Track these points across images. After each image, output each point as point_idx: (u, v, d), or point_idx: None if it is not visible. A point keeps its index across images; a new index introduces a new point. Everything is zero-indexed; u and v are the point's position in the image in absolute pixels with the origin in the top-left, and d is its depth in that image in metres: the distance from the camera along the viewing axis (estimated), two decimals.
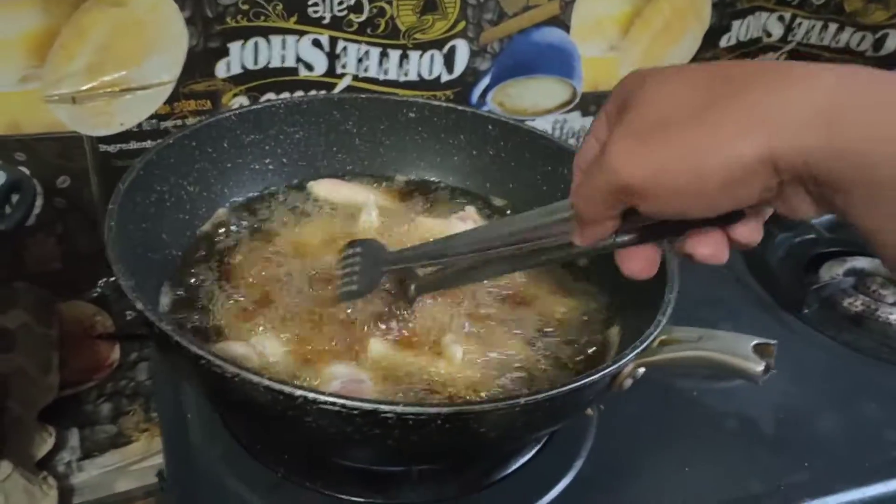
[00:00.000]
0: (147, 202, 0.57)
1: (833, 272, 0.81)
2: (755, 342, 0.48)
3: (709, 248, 0.40)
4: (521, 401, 0.43)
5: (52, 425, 0.73)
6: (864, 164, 0.31)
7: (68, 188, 0.77)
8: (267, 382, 0.41)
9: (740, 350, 0.47)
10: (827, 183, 0.33)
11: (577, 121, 0.98)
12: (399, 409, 0.41)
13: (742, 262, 0.82)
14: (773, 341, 0.48)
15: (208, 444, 0.57)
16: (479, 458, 0.56)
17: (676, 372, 0.56)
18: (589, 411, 0.61)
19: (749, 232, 0.39)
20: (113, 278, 0.82)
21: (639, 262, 0.43)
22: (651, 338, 0.48)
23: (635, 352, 0.47)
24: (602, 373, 0.45)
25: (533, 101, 0.94)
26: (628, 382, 0.49)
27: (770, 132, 0.33)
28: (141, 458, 0.79)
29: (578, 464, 0.59)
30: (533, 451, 0.59)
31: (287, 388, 0.41)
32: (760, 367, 0.46)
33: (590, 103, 0.97)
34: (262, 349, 0.53)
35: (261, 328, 0.55)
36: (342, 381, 0.51)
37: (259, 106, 0.67)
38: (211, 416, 0.59)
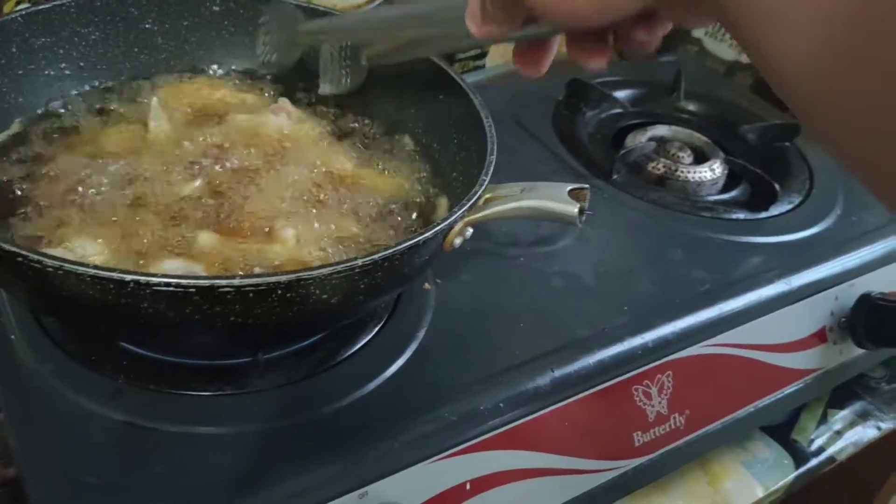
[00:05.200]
0: None
1: (637, 140, 0.87)
2: (570, 188, 0.51)
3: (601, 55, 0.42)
4: (359, 262, 0.44)
5: None
6: None
7: None
8: (93, 271, 0.40)
9: (558, 196, 0.50)
10: None
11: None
12: (237, 281, 0.41)
13: (555, 138, 0.86)
14: (586, 186, 0.51)
15: (39, 363, 0.54)
16: (322, 333, 0.57)
17: (506, 222, 0.58)
18: (427, 285, 0.64)
19: (645, 35, 0.41)
20: None
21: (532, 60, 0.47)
22: (477, 195, 0.51)
23: (463, 208, 0.50)
24: (434, 229, 0.47)
25: None
26: (458, 241, 0.51)
27: None
28: None
29: (420, 334, 0.61)
30: (375, 329, 0.61)
31: (117, 274, 0.39)
32: (576, 209, 0.50)
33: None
34: (82, 251, 0.51)
35: (75, 232, 0.53)
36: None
37: (47, 6, 0.62)
38: (37, 333, 0.56)
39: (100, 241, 0.52)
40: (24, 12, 0.61)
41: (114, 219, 0.54)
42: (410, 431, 0.54)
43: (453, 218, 0.49)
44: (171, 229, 0.54)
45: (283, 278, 0.42)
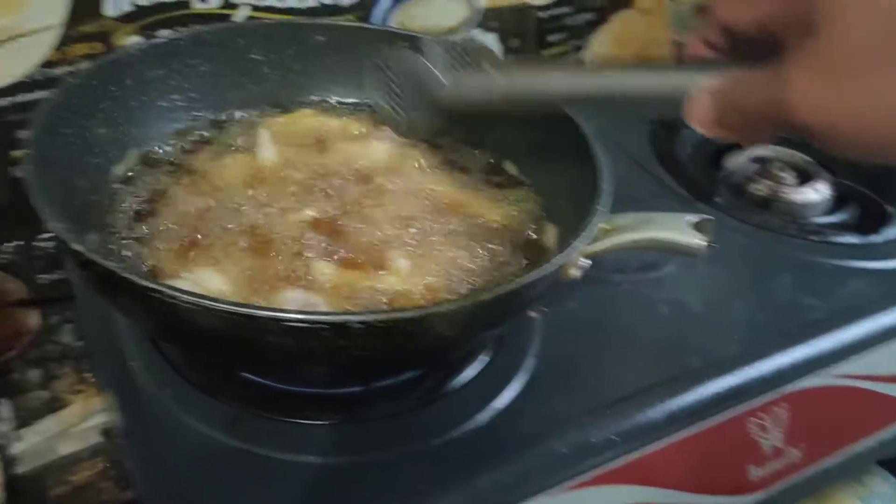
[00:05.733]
0: (56, 147, 0.54)
1: (737, 161, 0.85)
2: (693, 219, 0.50)
3: None
4: (486, 296, 0.43)
5: None
6: None
7: None
8: (229, 308, 0.40)
9: (681, 228, 0.49)
10: None
11: (478, 38, 0.98)
12: (369, 317, 0.41)
13: (654, 159, 0.85)
14: (710, 217, 0.50)
15: (158, 388, 0.55)
16: (438, 364, 0.57)
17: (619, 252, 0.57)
18: (533, 314, 0.63)
19: None
20: (21, 242, 0.78)
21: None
22: (593, 224, 0.50)
23: (581, 240, 0.49)
24: (556, 263, 0.46)
25: (435, 20, 0.93)
26: (575, 273, 0.51)
27: None
28: (80, 420, 0.76)
29: (528, 363, 0.60)
30: (483, 358, 0.60)
31: (252, 311, 0.40)
32: (703, 243, 0.49)
33: (490, 19, 0.97)
34: (204, 283, 0.52)
35: (196, 263, 0.54)
36: (297, 306, 0.50)
37: (161, 39, 0.64)
38: (155, 359, 0.57)
39: (220, 272, 0.53)
40: (139, 46, 0.62)
41: (231, 249, 0.55)
42: (522, 464, 0.53)
43: (573, 250, 0.48)
44: (287, 259, 0.55)
45: (414, 314, 0.42)
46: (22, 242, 0.79)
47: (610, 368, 0.61)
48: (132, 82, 0.62)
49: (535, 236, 0.61)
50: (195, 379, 0.55)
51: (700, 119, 0.40)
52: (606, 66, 0.44)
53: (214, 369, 0.55)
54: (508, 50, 1.01)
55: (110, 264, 0.42)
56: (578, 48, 1.09)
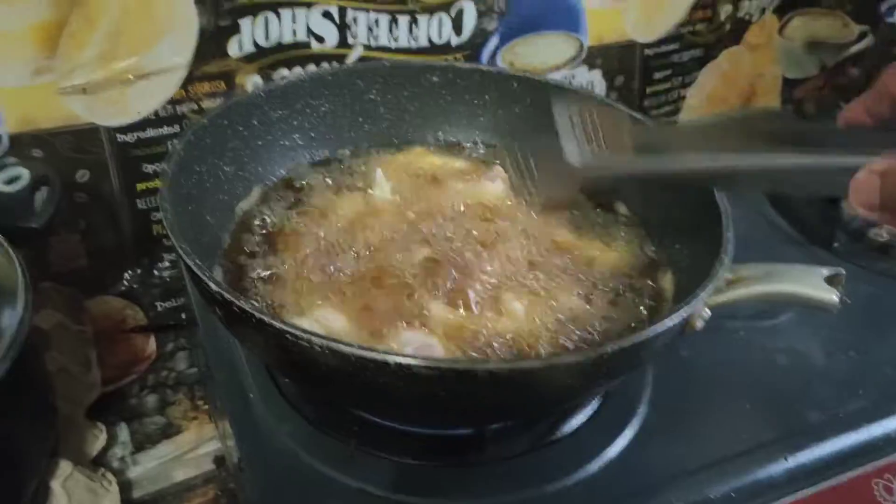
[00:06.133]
0: (189, 184, 0.57)
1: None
2: (825, 273, 0.48)
3: None
4: (608, 349, 0.43)
5: (100, 422, 0.72)
6: None
7: (88, 182, 0.75)
8: (359, 352, 0.41)
9: (813, 282, 0.48)
10: None
11: (584, 75, 0.98)
12: (494, 366, 0.41)
13: (765, 201, 0.83)
14: (842, 271, 0.48)
15: (275, 423, 0.56)
16: (553, 411, 0.57)
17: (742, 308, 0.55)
18: None
19: None
20: (139, 270, 0.82)
21: None
22: (720, 275, 0.49)
23: (705, 290, 0.48)
24: (681, 314, 0.46)
25: (542, 58, 0.93)
26: (700, 324, 0.50)
27: None
28: (194, 447, 0.78)
29: (640, 411, 0.59)
30: (595, 404, 0.60)
31: (384, 356, 0.41)
32: (836, 297, 0.47)
33: (595, 57, 0.97)
34: (326, 322, 0.53)
35: (319, 301, 0.55)
36: (414, 347, 0.50)
37: (285, 81, 0.66)
38: (273, 393, 0.58)
39: (340, 310, 0.54)
40: (266, 88, 0.65)
41: (348, 287, 0.56)
42: None
43: (698, 301, 0.47)
44: (402, 298, 0.55)
45: (541, 365, 0.42)
46: (140, 270, 0.83)
47: (726, 420, 0.60)
48: (258, 122, 0.64)
49: (650, 282, 0.60)
50: (311, 415, 0.56)
51: (864, 202, 0.38)
52: (754, 137, 0.41)
53: (331, 406, 0.56)
54: (612, 87, 1.01)
55: (248, 305, 0.43)
56: (684, 85, 1.08)
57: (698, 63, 1.06)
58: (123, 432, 0.77)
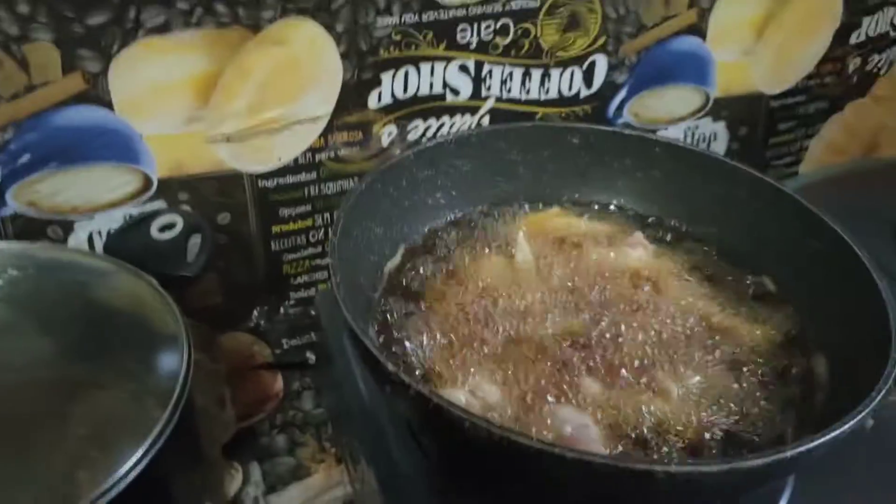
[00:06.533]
0: (348, 249, 0.58)
1: None
2: None
3: None
4: (788, 453, 0.42)
5: (234, 461, 0.74)
6: None
7: (228, 224, 0.78)
8: (538, 446, 0.41)
9: None
10: None
11: (707, 126, 0.97)
12: (673, 468, 0.41)
13: None
14: None
15: (416, 474, 0.57)
16: None
17: None
18: None
19: None
20: (266, 307, 0.84)
21: None
22: (893, 375, 0.48)
23: (881, 393, 0.47)
24: (857, 416, 0.45)
25: (668, 109, 0.93)
26: (870, 423, 0.49)
27: None
28: (324, 491, 0.80)
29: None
30: None
31: (563, 452, 0.41)
32: None
33: (721, 108, 0.96)
34: (481, 394, 0.53)
35: (472, 370, 0.56)
36: (572, 426, 0.51)
37: (432, 143, 0.68)
38: (412, 448, 0.59)
39: (493, 382, 0.54)
40: (414, 150, 0.66)
41: (496, 356, 0.57)
42: None
43: (875, 403, 0.46)
44: (552, 371, 0.56)
45: (717, 468, 0.41)
46: (267, 307, 0.85)
47: None
48: (406, 183, 0.66)
49: (800, 364, 0.59)
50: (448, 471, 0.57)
51: None
52: None
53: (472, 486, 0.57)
54: (736, 137, 1.00)
55: (425, 389, 0.44)
56: (808, 136, 1.06)
57: (823, 115, 1.05)
58: (256, 472, 0.79)
